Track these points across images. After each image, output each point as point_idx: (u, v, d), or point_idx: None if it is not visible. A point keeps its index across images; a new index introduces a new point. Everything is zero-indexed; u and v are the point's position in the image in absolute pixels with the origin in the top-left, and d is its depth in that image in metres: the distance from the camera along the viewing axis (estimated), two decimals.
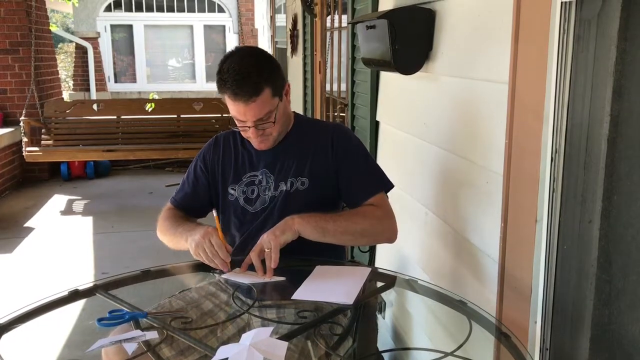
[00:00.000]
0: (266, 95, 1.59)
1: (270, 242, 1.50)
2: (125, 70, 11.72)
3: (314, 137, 1.76)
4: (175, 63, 12.01)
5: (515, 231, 1.37)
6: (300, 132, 1.77)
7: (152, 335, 1.27)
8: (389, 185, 1.73)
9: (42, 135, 5.79)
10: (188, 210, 1.83)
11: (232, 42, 11.46)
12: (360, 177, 1.72)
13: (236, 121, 1.66)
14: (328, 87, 4.25)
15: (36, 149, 5.52)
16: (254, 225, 1.71)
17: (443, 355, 1.15)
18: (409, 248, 2.18)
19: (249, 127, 1.63)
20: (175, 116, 6.12)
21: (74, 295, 1.46)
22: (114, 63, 11.53)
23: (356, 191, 1.71)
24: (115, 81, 11.51)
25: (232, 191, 1.75)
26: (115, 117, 6.07)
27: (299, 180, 1.70)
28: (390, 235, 1.70)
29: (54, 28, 8.78)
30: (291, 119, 1.78)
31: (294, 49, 5.69)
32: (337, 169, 1.71)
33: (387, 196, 1.73)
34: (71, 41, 11.41)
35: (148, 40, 11.60)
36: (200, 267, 1.73)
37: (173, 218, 1.77)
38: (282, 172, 1.71)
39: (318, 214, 1.59)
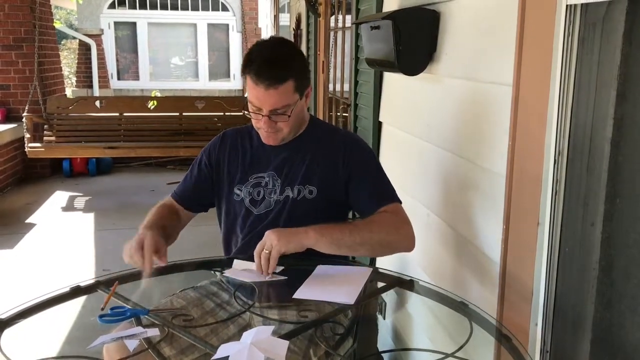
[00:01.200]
0: (288, 87, 1.56)
1: (272, 246, 1.44)
2: (128, 68, 11.73)
3: (326, 145, 1.73)
4: (178, 61, 12.02)
5: (517, 233, 1.37)
6: (313, 136, 1.74)
7: (154, 332, 1.28)
8: (399, 201, 1.68)
9: (45, 132, 5.80)
10: (187, 202, 1.80)
11: (235, 41, 11.47)
12: (373, 187, 1.67)
13: (251, 107, 1.61)
14: (331, 87, 4.25)
15: (38, 145, 5.53)
16: (257, 228, 1.69)
17: (443, 356, 1.15)
18: None
19: (262, 115, 1.58)
20: (178, 114, 6.13)
21: (76, 292, 1.47)
22: (117, 60, 11.54)
23: (369, 200, 1.65)
24: (118, 78, 11.52)
25: (238, 191, 1.73)
26: (117, 114, 6.08)
27: (307, 189, 1.67)
28: (408, 244, 1.62)
29: (57, 24, 8.78)
30: (305, 121, 1.75)
31: None
32: (348, 180, 1.67)
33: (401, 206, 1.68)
34: (75, 38, 11.42)
35: (151, 38, 11.61)
36: (202, 266, 1.74)
37: (153, 212, 1.74)
38: (289, 176, 1.69)
39: (334, 225, 1.53)
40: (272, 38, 1.76)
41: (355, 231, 1.54)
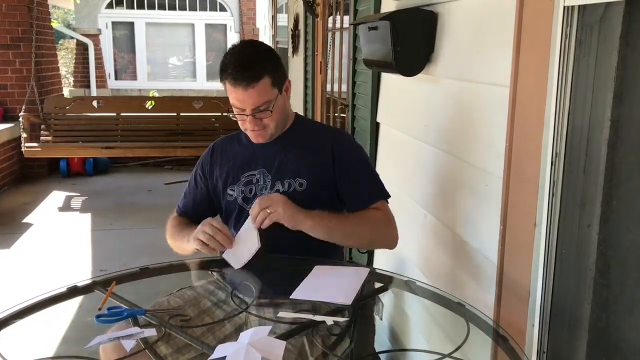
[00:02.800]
0: (265, 83, 1.61)
1: (277, 211, 1.55)
2: (126, 68, 11.72)
3: (314, 139, 1.77)
4: (176, 61, 12.01)
5: (514, 234, 1.37)
6: (299, 131, 1.78)
7: (150, 332, 1.28)
8: (387, 195, 1.75)
9: (42, 132, 5.78)
10: (191, 217, 1.85)
11: (233, 41, 11.37)
12: (362, 184, 1.73)
13: (235, 111, 1.67)
14: (329, 88, 4.25)
15: (35, 144, 5.51)
16: None
17: (440, 357, 1.16)
18: (407, 249, 2.18)
19: (247, 115, 1.64)
20: (175, 114, 6.12)
21: (73, 292, 1.47)
22: (115, 60, 11.53)
23: (358, 197, 1.72)
24: (116, 78, 11.51)
25: (231, 192, 1.76)
26: (115, 114, 6.07)
27: (297, 181, 1.70)
28: (391, 243, 1.74)
29: (55, 24, 8.78)
30: (291, 117, 1.79)
31: (295, 49, 5.69)
32: (339, 176, 1.71)
33: (388, 204, 1.75)
34: (72, 37, 11.41)
35: (149, 38, 11.60)
36: (199, 266, 1.74)
37: (179, 225, 1.82)
38: (279, 171, 1.72)
39: (330, 215, 1.63)
40: (241, 42, 1.85)
41: (347, 224, 1.67)
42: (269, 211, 1.55)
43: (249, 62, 1.62)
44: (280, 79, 1.67)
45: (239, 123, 1.71)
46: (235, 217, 1.75)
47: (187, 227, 1.77)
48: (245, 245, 1.59)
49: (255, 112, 1.63)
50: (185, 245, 1.70)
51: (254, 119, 1.64)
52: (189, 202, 1.88)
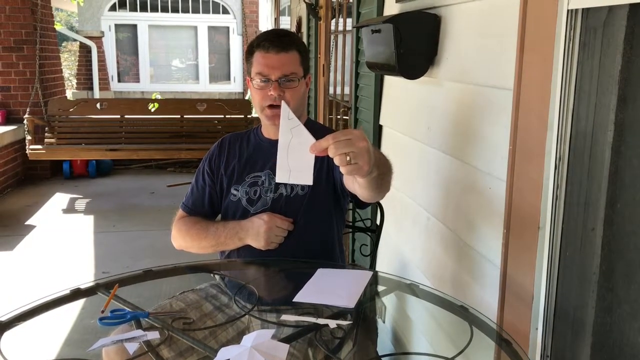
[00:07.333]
0: (295, 56, 1.67)
1: (359, 146, 1.15)
2: (129, 70, 11.73)
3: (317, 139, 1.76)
4: (178, 64, 12.02)
5: (518, 237, 1.37)
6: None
7: (154, 335, 1.27)
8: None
9: (46, 134, 5.80)
10: (200, 215, 1.83)
11: (236, 44, 11.48)
12: None
13: (259, 81, 1.65)
14: (331, 90, 4.25)
15: (39, 147, 5.53)
16: None
17: None
18: (410, 252, 2.18)
19: (273, 80, 1.63)
20: (179, 117, 6.13)
21: (76, 294, 1.47)
22: (118, 62, 11.54)
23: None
24: (119, 81, 11.52)
25: (234, 191, 1.76)
26: (118, 116, 6.08)
27: (299, 185, 1.70)
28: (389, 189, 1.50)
29: (58, 27, 8.79)
30: (304, 114, 1.79)
31: None
32: (333, 168, 1.66)
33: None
34: (75, 40, 11.43)
35: (152, 41, 11.62)
36: (202, 269, 1.74)
37: (197, 224, 1.77)
38: None
39: (383, 159, 1.39)
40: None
41: (387, 172, 1.43)
42: (351, 150, 1.13)
43: (283, 34, 1.70)
44: (306, 65, 1.72)
45: (259, 98, 1.67)
46: (238, 219, 1.74)
47: (212, 225, 1.75)
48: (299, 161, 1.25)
49: (281, 79, 1.64)
50: (229, 241, 1.68)
51: (279, 87, 1.64)
52: (197, 200, 1.83)
